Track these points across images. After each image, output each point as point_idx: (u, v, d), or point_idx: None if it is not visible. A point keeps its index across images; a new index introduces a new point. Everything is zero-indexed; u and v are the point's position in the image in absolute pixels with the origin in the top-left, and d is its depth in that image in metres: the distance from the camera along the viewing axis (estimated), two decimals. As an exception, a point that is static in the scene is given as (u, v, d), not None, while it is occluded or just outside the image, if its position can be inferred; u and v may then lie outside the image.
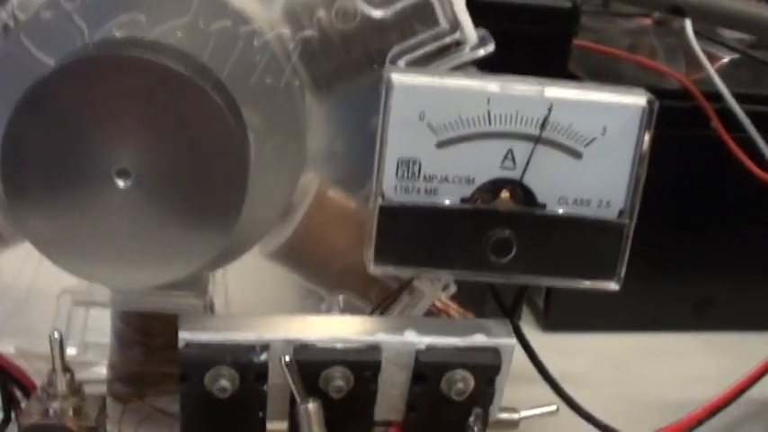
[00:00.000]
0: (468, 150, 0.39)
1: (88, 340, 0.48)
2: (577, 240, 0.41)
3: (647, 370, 0.62)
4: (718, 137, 0.60)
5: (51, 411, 0.39)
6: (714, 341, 0.65)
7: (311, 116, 0.43)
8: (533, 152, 0.39)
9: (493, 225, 0.40)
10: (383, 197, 0.39)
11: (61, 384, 0.39)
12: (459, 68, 0.42)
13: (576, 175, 0.40)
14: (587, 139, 0.39)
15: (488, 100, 0.39)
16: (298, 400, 0.38)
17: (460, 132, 0.39)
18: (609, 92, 0.40)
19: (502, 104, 0.39)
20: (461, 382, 0.39)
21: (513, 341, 0.40)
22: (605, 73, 0.67)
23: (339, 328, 0.39)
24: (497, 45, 0.42)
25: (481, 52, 0.41)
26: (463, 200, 0.40)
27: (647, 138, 0.39)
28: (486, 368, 0.40)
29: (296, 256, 0.45)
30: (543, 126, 0.39)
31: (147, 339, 0.45)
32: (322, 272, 0.45)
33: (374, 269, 0.40)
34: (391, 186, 0.39)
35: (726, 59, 0.77)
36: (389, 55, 0.41)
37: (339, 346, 0.39)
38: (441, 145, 0.39)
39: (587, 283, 0.41)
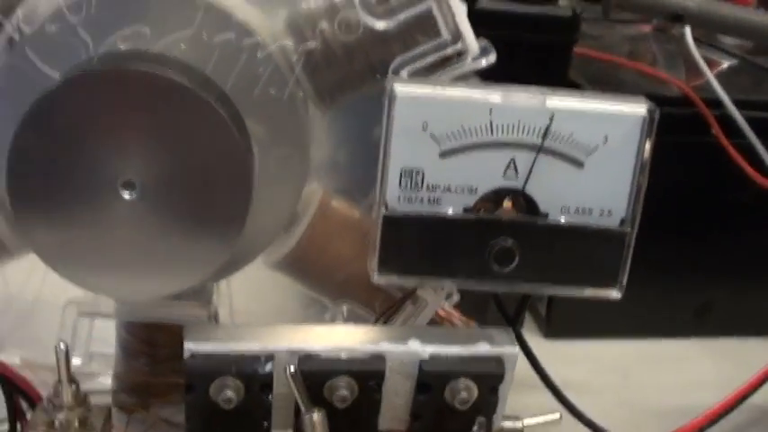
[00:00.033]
0: (471, 160, 0.39)
1: (93, 350, 0.48)
2: (579, 249, 0.41)
3: (649, 376, 0.62)
4: (718, 143, 0.61)
5: (57, 422, 0.39)
6: (715, 347, 0.65)
7: (314, 126, 0.43)
8: (535, 162, 0.39)
9: (495, 234, 0.40)
10: (387, 207, 0.39)
11: (67, 395, 0.39)
12: (462, 79, 0.42)
13: (577, 184, 0.40)
14: (589, 148, 0.39)
15: (490, 110, 0.39)
16: (303, 410, 0.38)
17: (463, 142, 0.39)
18: (610, 101, 0.40)
19: (504, 114, 0.39)
20: (465, 391, 0.39)
21: (517, 350, 0.40)
22: (606, 80, 0.68)
23: (343, 338, 0.39)
24: (499, 53, 0.42)
25: (483, 62, 0.42)
26: (466, 209, 0.40)
27: (648, 146, 0.40)
28: (490, 377, 0.40)
29: (300, 265, 0.45)
30: (545, 136, 0.39)
31: (152, 350, 0.45)
32: (326, 281, 0.46)
33: (378, 279, 0.40)
34: (395, 196, 0.39)
35: (725, 65, 0.77)
36: (392, 66, 0.41)
37: (343, 355, 0.39)
38: (443, 155, 0.39)
39: (589, 292, 0.41)
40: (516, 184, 0.40)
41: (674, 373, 0.62)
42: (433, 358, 0.39)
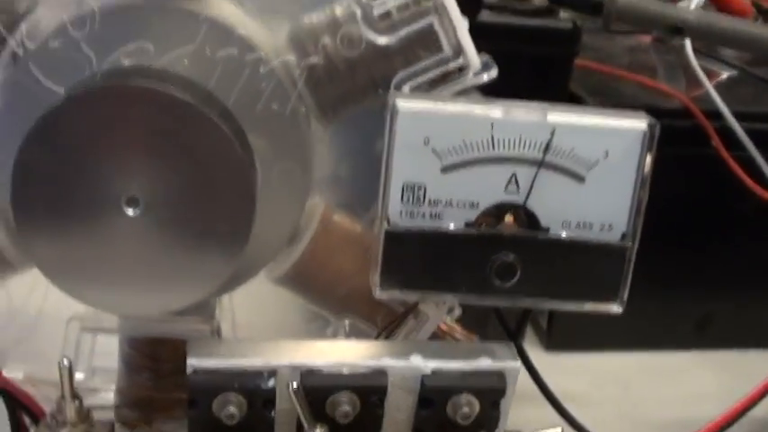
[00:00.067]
0: (473, 175, 0.39)
1: (96, 365, 0.48)
2: (580, 264, 0.41)
3: (650, 389, 0.62)
4: (719, 155, 0.61)
5: (60, 438, 0.39)
6: (715, 359, 0.65)
7: (316, 141, 0.43)
8: (536, 176, 0.40)
9: (497, 249, 0.40)
10: (389, 222, 0.39)
11: (70, 411, 0.39)
12: (463, 93, 0.42)
13: (578, 198, 0.40)
14: (590, 162, 0.40)
15: (492, 125, 0.39)
16: (305, 426, 0.38)
17: (465, 157, 0.39)
18: (610, 116, 0.40)
19: (505, 129, 0.39)
20: (467, 406, 0.39)
21: (518, 364, 0.40)
22: (606, 92, 0.68)
23: (345, 353, 0.39)
24: (500, 66, 0.42)
25: (484, 77, 0.42)
26: (468, 224, 0.40)
27: (648, 161, 0.40)
28: (492, 392, 0.40)
29: (302, 280, 0.45)
30: (546, 150, 0.39)
31: (155, 365, 0.45)
32: (328, 296, 0.46)
33: (380, 293, 0.40)
34: (397, 211, 0.39)
35: (725, 76, 0.77)
36: (394, 81, 0.41)
37: (345, 371, 0.39)
38: (445, 170, 0.39)
39: (590, 307, 0.42)
40: (518, 198, 0.40)
41: (674, 385, 0.62)
42: (435, 373, 0.39)
